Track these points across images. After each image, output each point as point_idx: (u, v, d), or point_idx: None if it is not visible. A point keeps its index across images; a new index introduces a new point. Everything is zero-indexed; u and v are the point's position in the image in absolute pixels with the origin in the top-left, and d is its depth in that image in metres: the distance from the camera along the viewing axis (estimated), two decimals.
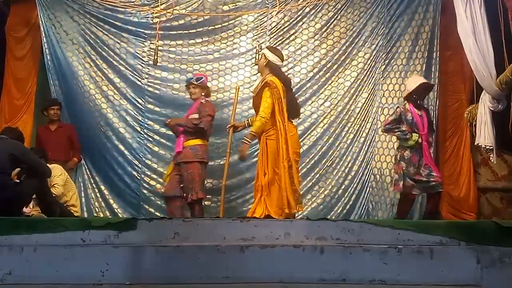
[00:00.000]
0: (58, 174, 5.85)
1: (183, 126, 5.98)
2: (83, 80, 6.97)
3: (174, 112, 6.89)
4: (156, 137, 6.98)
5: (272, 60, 5.53)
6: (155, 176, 6.89)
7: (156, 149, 6.97)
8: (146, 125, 6.98)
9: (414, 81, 5.98)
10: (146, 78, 7.03)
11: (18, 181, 5.10)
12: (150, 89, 7.02)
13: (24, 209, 5.33)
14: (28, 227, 3.65)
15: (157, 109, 7.02)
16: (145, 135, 6.97)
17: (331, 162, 6.80)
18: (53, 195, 5.53)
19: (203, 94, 6.17)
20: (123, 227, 3.62)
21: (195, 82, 6.10)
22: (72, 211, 5.91)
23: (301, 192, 5.80)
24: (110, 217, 6.62)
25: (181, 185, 5.91)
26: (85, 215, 6.66)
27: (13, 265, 3.37)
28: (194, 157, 5.88)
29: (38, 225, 3.69)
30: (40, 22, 6.88)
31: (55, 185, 5.76)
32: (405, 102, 5.96)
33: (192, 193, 5.81)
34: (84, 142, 6.88)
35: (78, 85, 6.95)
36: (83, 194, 6.85)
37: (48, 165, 5.76)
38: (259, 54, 6.26)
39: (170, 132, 6.74)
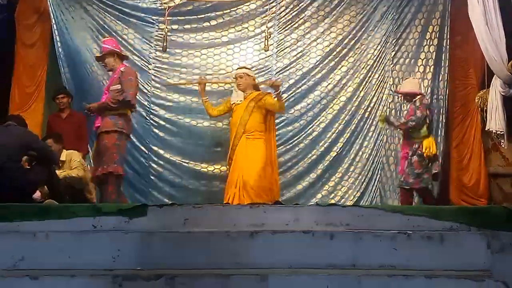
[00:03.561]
0: (77, 159, 5.96)
1: (108, 105, 5.43)
2: (90, 67, 6.92)
3: (181, 97, 6.90)
4: (161, 122, 6.94)
5: (255, 76, 6.20)
6: (162, 163, 6.87)
7: (161, 134, 6.93)
8: (151, 110, 6.93)
9: (410, 85, 6.16)
10: (153, 63, 6.98)
11: (29, 167, 5.13)
12: (157, 74, 6.97)
13: (37, 196, 5.37)
14: (40, 214, 3.67)
15: (163, 94, 6.97)
16: (150, 121, 6.92)
17: (340, 149, 6.78)
18: (77, 176, 5.77)
19: (116, 61, 5.70)
20: (133, 214, 3.64)
21: (99, 55, 5.87)
22: (88, 198, 5.96)
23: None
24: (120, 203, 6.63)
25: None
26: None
27: (25, 251, 3.39)
28: (113, 126, 5.37)
29: (49, 212, 3.71)
30: (50, 9, 6.82)
31: (76, 168, 5.85)
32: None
33: (104, 165, 5.25)
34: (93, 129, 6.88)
35: (87, 71, 6.92)
36: None
37: (65, 150, 5.86)
38: (267, 40, 6.30)
39: (176, 118, 6.80)
